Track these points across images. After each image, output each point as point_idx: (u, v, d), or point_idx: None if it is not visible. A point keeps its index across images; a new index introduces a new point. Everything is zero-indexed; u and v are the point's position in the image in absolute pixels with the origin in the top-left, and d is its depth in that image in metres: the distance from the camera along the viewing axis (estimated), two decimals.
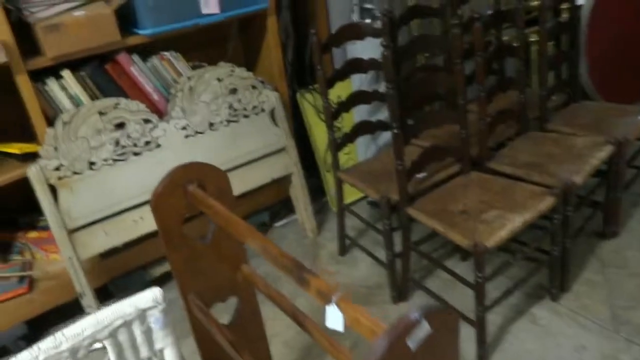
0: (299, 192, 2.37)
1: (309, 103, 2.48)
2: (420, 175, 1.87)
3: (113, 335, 0.90)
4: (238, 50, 2.48)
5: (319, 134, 2.51)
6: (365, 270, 2.17)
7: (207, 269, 1.32)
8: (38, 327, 2.07)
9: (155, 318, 0.95)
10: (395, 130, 1.69)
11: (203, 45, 2.33)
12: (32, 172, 1.80)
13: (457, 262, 2.10)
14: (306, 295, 0.86)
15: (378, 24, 2.08)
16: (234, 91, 2.15)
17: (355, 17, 2.51)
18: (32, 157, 1.88)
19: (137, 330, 0.93)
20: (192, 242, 1.27)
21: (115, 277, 2.14)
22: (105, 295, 2.15)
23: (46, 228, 2.06)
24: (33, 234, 2.12)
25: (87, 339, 0.86)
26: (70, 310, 1.98)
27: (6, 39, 1.70)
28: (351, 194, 2.52)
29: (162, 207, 1.20)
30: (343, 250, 2.29)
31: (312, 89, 2.49)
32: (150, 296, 0.94)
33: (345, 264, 2.24)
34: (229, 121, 2.15)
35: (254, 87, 2.20)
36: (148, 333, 0.96)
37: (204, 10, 2.02)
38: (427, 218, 1.69)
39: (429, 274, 2.08)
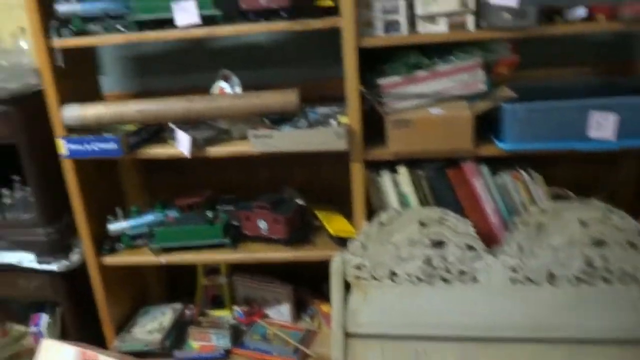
0: None
1: None
2: None
3: None
4: (628, 184, 1.84)
5: None
6: None
7: None
8: None
9: None
10: None
11: (575, 169, 1.80)
12: (335, 262, 1.68)
13: None
14: None
15: None
16: (600, 243, 1.57)
17: None
18: (343, 242, 1.77)
19: None
20: None
21: None
22: None
23: None
24: (326, 307, 2.05)
25: None
26: None
27: (354, 126, 1.60)
28: None
29: None
30: None
31: None
32: None
33: None
34: (578, 279, 1.58)
35: (632, 245, 1.56)
36: None
37: (593, 134, 1.50)
38: None
39: None
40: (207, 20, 1.61)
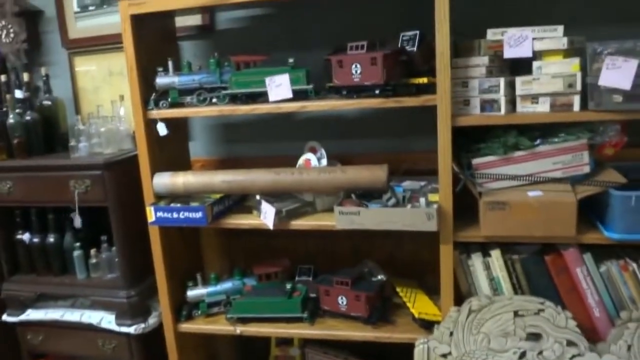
0: None
1: None
2: None
3: None
4: None
5: None
6: None
7: None
8: None
9: None
10: None
11: None
12: (419, 348, 1.59)
13: None
14: None
15: None
16: None
17: None
18: (427, 324, 1.68)
19: None
20: None
21: None
22: None
23: None
24: None
25: None
26: None
27: (445, 206, 1.53)
28: None
29: None
30: None
31: None
32: None
33: None
34: None
35: None
36: None
37: None
38: None
39: None
40: (299, 95, 1.63)
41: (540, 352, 1.50)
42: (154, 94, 1.74)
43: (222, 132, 2.16)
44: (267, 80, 1.62)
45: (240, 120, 2.11)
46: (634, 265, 1.50)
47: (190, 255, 2.06)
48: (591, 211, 1.55)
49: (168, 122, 1.79)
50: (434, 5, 1.41)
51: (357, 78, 1.53)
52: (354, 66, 1.52)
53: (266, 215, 1.69)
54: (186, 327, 1.91)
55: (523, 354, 1.51)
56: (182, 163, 2.01)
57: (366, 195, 1.70)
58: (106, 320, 2.00)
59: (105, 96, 2.19)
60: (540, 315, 1.49)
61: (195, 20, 2.04)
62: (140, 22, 1.69)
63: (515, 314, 1.51)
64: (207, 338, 2.10)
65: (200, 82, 1.73)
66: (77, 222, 1.89)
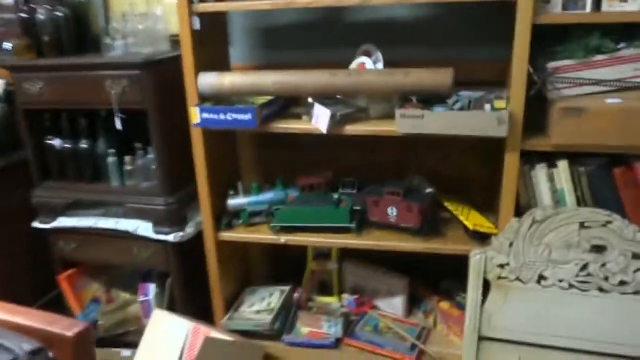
0: None
1: None
2: None
3: None
4: None
5: None
6: None
7: None
8: None
9: None
10: None
11: None
12: (475, 259, 1.55)
13: None
14: None
15: None
16: None
17: None
18: (480, 237, 1.64)
19: None
20: None
21: None
22: None
23: (461, 307, 1.84)
24: (445, 305, 1.92)
25: None
26: None
27: (517, 112, 1.45)
28: None
29: None
30: None
31: None
32: None
33: None
34: None
35: None
36: None
37: None
38: None
39: None
40: None
41: (604, 265, 1.46)
42: None
43: (264, 37, 2.03)
44: None
45: (283, 24, 1.98)
46: None
47: (230, 165, 1.99)
48: None
49: (210, 19, 1.67)
50: None
51: None
52: None
53: (319, 120, 1.61)
54: (227, 236, 1.87)
55: (585, 266, 1.48)
56: (222, 67, 1.90)
57: (426, 101, 1.61)
58: (142, 228, 1.95)
59: None
60: (607, 227, 1.45)
61: None
62: None
63: (582, 225, 1.46)
64: (241, 250, 2.07)
65: None
66: (118, 124, 1.79)
